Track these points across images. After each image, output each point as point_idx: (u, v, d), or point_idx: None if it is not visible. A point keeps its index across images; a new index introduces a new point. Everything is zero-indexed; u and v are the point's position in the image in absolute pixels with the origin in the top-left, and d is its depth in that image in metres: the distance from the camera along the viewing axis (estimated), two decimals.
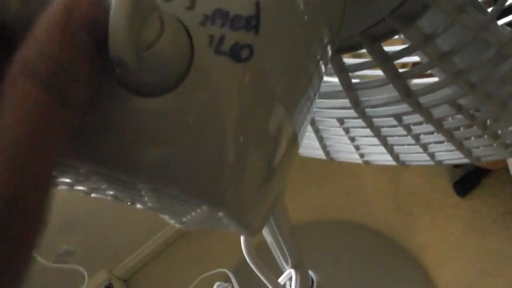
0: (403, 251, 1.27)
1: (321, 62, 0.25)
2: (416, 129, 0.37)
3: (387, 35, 0.30)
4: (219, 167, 0.16)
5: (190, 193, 0.16)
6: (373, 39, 0.31)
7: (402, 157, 0.42)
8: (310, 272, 0.43)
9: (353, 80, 0.34)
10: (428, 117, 0.34)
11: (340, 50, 0.33)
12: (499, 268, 1.20)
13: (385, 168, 1.33)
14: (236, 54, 0.16)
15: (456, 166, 1.25)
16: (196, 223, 0.22)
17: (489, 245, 1.24)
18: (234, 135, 0.16)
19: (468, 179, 1.24)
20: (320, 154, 0.46)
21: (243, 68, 0.16)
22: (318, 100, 0.38)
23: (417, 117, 0.35)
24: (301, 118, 0.23)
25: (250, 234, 0.20)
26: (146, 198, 0.19)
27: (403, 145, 0.40)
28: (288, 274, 0.40)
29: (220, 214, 0.17)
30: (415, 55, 0.32)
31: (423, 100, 0.33)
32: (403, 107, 0.34)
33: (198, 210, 0.18)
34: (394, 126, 0.37)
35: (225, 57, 0.16)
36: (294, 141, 0.21)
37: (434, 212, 1.28)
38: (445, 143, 0.37)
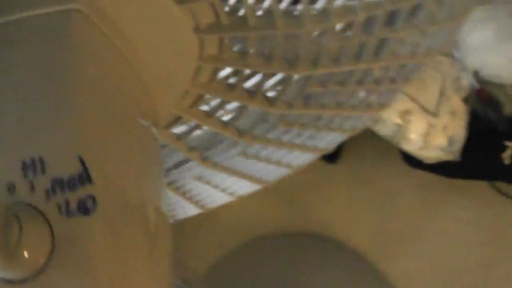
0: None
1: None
2: None
3: None
4: None
5: None
6: None
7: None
8: None
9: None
10: None
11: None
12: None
13: None
14: (83, 208, 0.19)
15: None
16: None
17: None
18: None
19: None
20: (193, 210, 0.49)
21: (94, 218, 0.19)
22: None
23: None
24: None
25: None
26: None
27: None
28: None
29: None
30: None
31: None
32: None
33: None
34: None
35: (77, 216, 0.19)
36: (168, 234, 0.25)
37: (324, 189, 1.37)
38: None
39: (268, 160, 0.43)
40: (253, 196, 1.33)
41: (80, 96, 0.21)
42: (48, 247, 0.18)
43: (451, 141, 1.17)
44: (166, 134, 0.37)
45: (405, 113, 1.11)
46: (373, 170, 1.35)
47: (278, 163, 0.45)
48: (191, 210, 0.50)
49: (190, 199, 0.47)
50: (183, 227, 1.25)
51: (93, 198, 0.19)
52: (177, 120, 0.37)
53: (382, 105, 0.42)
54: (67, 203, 0.19)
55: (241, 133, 0.37)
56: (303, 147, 0.43)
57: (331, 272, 1.24)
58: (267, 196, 1.32)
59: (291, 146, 0.42)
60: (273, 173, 0.47)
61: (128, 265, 0.20)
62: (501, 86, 1.26)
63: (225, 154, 0.40)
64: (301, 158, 0.46)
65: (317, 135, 0.42)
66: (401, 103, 1.11)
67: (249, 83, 0.36)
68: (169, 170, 0.41)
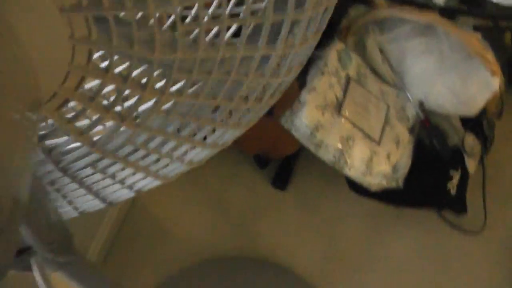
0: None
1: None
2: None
3: None
4: None
5: None
6: None
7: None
8: None
9: None
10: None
11: None
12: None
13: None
14: None
15: (262, 167, 1.39)
16: None
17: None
18: None
19: (281, 173, 1.38)
20: (97, 203, 0.52)
21: None
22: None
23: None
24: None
25: None
26: None
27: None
28: None
29: None
30: None
31: None
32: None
33: None
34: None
35: None
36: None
37: (272, 215, 1.40)
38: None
39: (160, 152, 0.47)
40: (203, 220, 1.36)
41: None
42: None
43: (394, 169, 1.20)
44: (56, 115, 0.40)
45: (347, 139, 1.15)
46: (322, 197, 1.39)
47: (169, 155, 0.48)
48: (95, 203, 0.53)
49: (89, 189, 0.50)
50: (136, 244, 1.28)
51: None
52: (66, 102, 0.40)
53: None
54: None
55: (122, 117, 0.41)
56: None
57: None
58: (217, 220, 1.36)
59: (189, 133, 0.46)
60: (170, 167, 0.50)
61: None
62: (446, 117, 1.30)
63: (115, 141, 0.43)
64: (203, 153, 0.49)
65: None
66: (343, 129, 1.15)
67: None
68: (62, 155, 0.45)
